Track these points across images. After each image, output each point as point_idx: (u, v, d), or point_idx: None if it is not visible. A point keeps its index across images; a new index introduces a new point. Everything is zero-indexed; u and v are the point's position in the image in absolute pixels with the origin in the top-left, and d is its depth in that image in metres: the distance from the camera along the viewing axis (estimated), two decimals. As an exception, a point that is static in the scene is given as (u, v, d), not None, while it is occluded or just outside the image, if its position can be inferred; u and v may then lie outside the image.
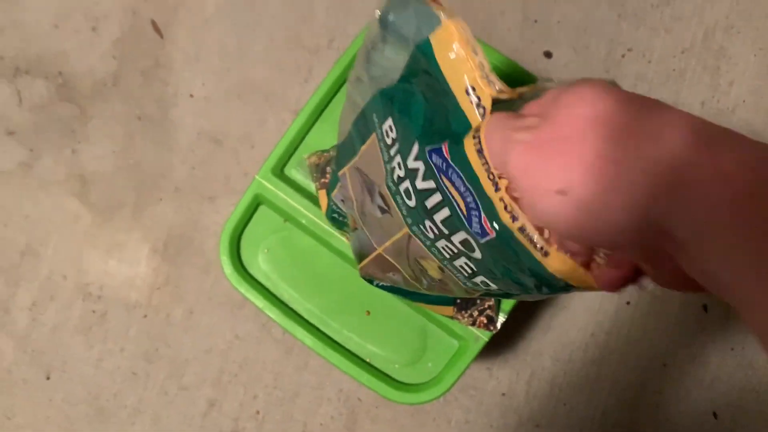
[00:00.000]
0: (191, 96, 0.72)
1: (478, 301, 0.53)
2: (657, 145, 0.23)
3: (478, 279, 0.35)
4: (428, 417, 0.70)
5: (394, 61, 0.37)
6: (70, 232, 0.71)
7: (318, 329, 0.57)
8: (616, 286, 0.29)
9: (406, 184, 0.36)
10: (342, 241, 0.56)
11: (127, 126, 0.72)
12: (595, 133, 0.24)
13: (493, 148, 0.28)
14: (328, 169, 0.54)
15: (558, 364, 0.70)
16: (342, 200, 0.50)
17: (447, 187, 0.32)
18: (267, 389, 0.70)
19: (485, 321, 0.54)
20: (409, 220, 0.37)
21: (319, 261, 0.58)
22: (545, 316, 0.70)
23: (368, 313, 0.58)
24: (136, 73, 0.72)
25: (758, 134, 0.72)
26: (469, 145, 0.30)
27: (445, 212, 0.33)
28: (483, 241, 0.32)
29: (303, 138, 0.58)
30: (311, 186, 0.57)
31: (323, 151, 0.56)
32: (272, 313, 0.56)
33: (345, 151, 0.45)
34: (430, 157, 0.33)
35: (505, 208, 0.29)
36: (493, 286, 0.35)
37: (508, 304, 0.54)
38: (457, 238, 0.34)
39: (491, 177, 0.29)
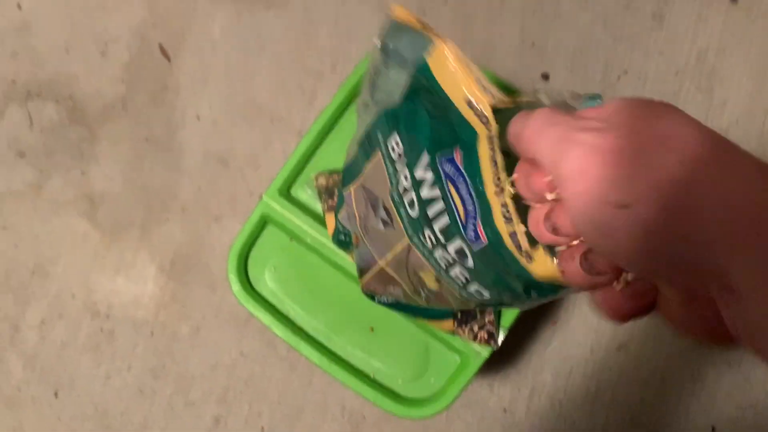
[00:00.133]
0: (198, 118, 0.74)
1: (478, 315, 0.55)
2: (744, 186, 0.22)
3: (473, 288, 0.37)
4: (431, 433, 0.71)
5: (397, 82, 0.40)
6: (79, 251, 0.72)
7: (323, 345, 0.58)
8: (626, 317, 0.27)
9: (411, 194, 0.38)
10: (346, 259, 0.57)
11: (135, 148, 0.73)
12: (676, 155, 0.23)
13: (544, 144, 0.26)
14: (336, 191, 0.56)
15: (558, 380, 0.71)
16: (347, 217, 0.51)
17: (451, 194, 0.35)
18: (272, 405, 0.71)
19: (486, 336, 0.55)
20: (410, 231, 0.40)
21: (325, 279, 0.59)
22: (545, 332, 0.71)
23: (372, 329, 0.59)
24: (144, 96, 0.74)
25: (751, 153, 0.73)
26: (483, 148, 0.32)
27: (444, 220, 0.36)
28: (476, 249, 0.34)
29: (308, 159, 0.60)
30: (317, 206, 0.59)
31: (331, 172, 0.58)
32: (279, 330, 0.57)
33: (351, 171, 0.47)
34: (442, 165, 0.35)
35: (504, 212, 0.31)
36: (486, 295, 0.37)
37: (508, 321, 0.56)
38: (453, 247, 0.36)
39: (497, 180, 0.31)
